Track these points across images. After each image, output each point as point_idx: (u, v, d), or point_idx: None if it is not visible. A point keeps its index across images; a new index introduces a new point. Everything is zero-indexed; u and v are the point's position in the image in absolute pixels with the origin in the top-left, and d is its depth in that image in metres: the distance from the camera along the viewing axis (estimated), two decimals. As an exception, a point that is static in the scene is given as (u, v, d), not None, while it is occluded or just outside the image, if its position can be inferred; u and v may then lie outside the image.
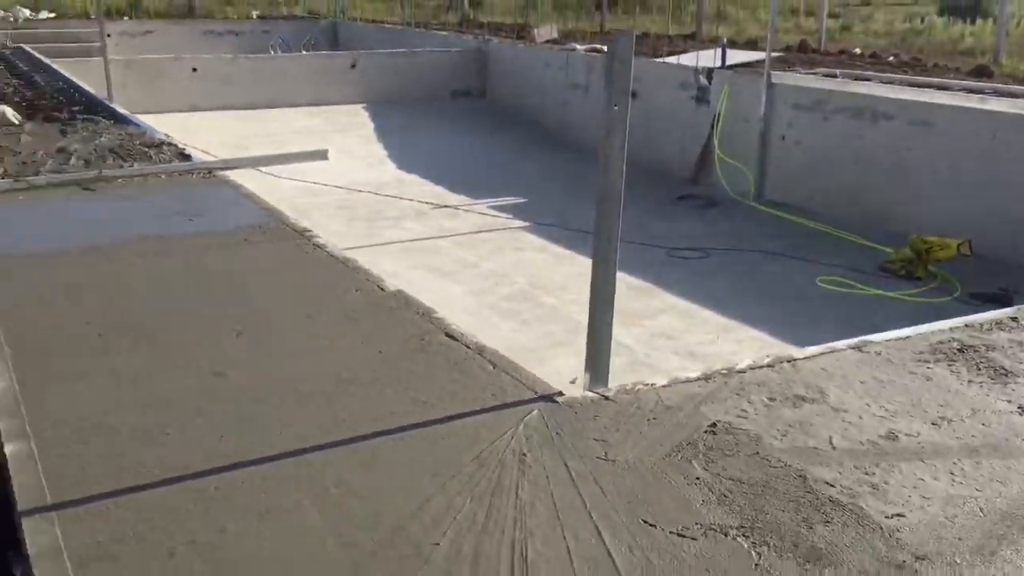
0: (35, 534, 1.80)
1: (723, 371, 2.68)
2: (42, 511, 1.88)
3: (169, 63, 11.44)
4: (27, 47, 11.10)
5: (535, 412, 2.38)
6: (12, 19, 16.59)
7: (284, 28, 16.70)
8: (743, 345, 5.02)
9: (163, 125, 6.35)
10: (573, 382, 2.62)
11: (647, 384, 2.59)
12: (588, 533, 1.87)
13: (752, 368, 2.71)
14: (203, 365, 2.64)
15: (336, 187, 8.37)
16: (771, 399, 2.51)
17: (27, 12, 17.85)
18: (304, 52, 14.42)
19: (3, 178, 4.43)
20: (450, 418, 2.36)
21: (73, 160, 4.89)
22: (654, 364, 4.71)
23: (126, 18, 17.48)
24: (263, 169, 5.99)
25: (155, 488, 1.99)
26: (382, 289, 3.25)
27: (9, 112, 5.79)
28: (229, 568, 1.74)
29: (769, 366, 2.72)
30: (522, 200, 8.61)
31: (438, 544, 1.82)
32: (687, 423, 2.35)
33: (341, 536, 1.84)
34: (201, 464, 2.09)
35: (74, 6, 19.72)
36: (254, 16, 18.25)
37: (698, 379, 2.63)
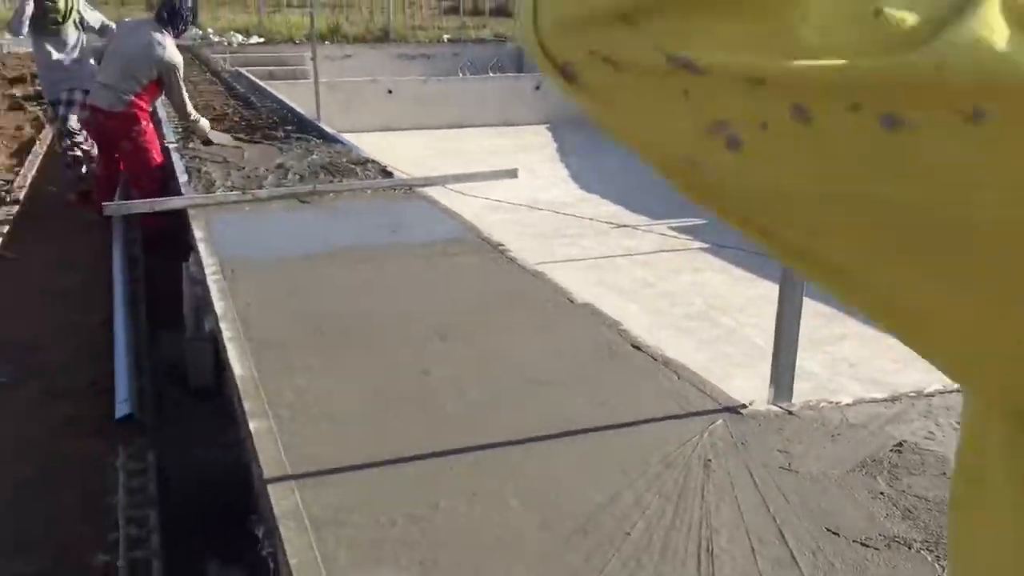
0: (279, 499, 2.08)
1: (911, 394, 2.69)
2: (283, 480, 2.16)
3: (366, 85, 12.18)
4: (243, 70, 12.09)
5: (720, 421, 2.49)
6: (227, 44, 18.03)
7: (472, 51, 17.37)
8: (933, 375, 4.88)
9: (360, 144, 6.82)
10: (751, 404, 2.70)
11: (831, 402, 2.65)
12: (772, 536, 1.97)
13: (941, 392, 2.71)
14: (411, 363, 2.90)
15: (519, 204, 8.68)
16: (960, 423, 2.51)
17: (240, 37, 19.35)
18: (491, 74, 14.96)
19: (232, 191, 4.93)
20: (638, 423, 2.51)
21: (290, 175, 5.36)
22: (837, 390, 4.67)
23: (327, 43, 18.63)
24: (451, 186, 6.33)
25: (378, 467, 2.24)
26: (571, 301, 3.44)
27: (214, 135, 6.39)
28: (442, 539, 1.96)
29: (959, 390, 2.71)
30: (702, 222, 8.62)
31: (629, 534, 1.97)
32: (872, 441, 2.40)
33: (539, 520, 2.03)
34: (414, 449, 2.33)
35: (281, 32, 21.18)
36: (445, 40, 19.05)
37: (884, 400, 2.66)
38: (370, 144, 7.47)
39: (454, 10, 34.86)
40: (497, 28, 22.41)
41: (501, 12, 29.58)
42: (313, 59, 9.14)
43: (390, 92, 12.17)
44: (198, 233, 4.23)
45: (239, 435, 3.12)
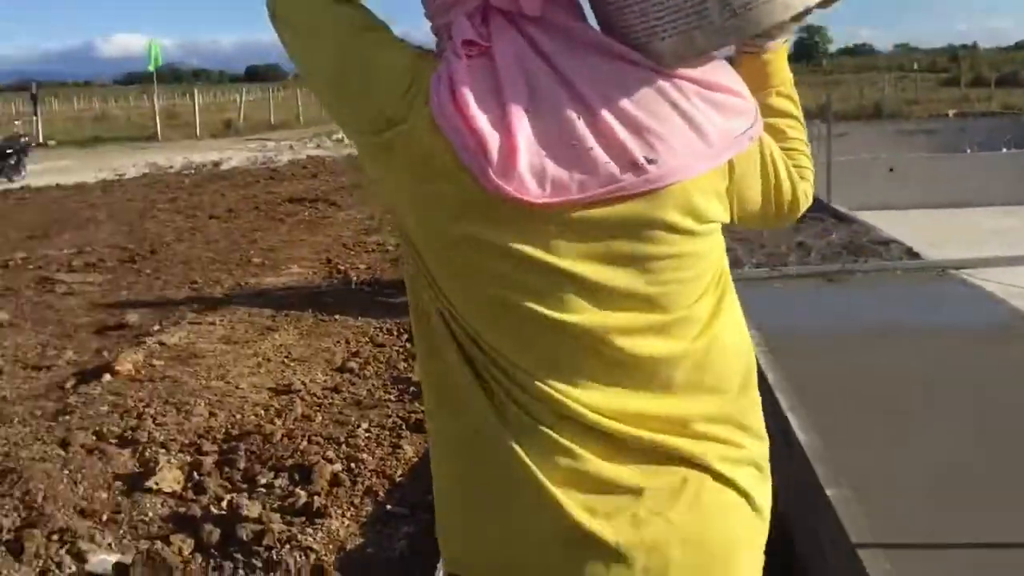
0: (872, 564, 2.19)
1: None
2: (873, 547, 2.27)
3: (867, 163, 11.96)
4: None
5: None
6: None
7: (979, 125, 16.21)
8: None
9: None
10: None
11: None
12: None
13: None
14: (973, 446, 2.85)
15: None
16: None
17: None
18: (1004, 150, 13.83)
19: (759, 267, 5.19)
20: None
21: (812, 253, 5.50)
22: None
23: (817, 120, 18.61)
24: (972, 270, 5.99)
25: (983, 548, 2.25)
26: None
27: None
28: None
29: None
30: None
31: None
32: None
33: None
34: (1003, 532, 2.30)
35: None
36: (950, 115, 18.04)
37: None
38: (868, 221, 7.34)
39: (953, 82, 32.77)
40: (1006, 99, 20.70)
41: (1009, 82, 27.16)
42: (827, 137, 9.23)
43: (891, 170, 11.81)
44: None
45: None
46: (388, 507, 3.93)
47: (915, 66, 50.51)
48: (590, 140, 0.94)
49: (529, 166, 0.93)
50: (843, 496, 2.54)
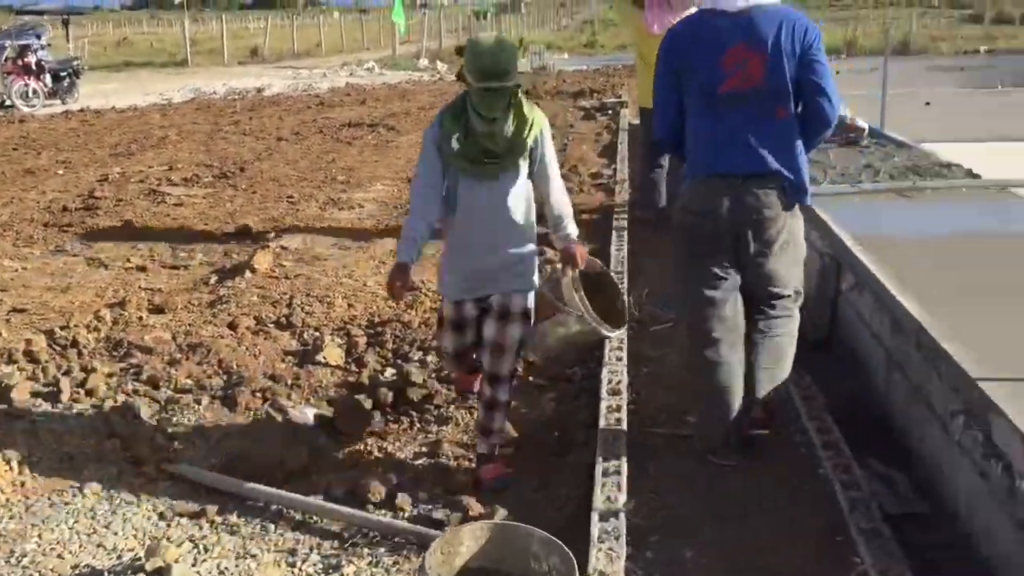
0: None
1: None
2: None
3: (903, 97, 12.43)
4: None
5: None
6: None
7: (1009, 62, 16.58)
8: None
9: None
10: None
11: None
12: None
13: None
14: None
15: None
16: None
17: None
18: (1035, 86, 14.28)
19: (835, 184, 5.77)
20: None
21: (880, 174, 6.06)
22: None
23: (843, 56, 18.95)
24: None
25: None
26: None
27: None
28: None
29: None
30: None
31: None
32: None
33: None
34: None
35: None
36: (982, 51, 18.38)
37: None
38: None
39: (977, 19, 32.83)
40: (1035, 37, 21.00)
41: (1035, 19, 27.28)
42: (884, 72, 9.61)
43: (928, 104, 12.29)
44: (824, 215, 5.08)
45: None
46: (531, 378, 4.58)
47: (935, 2, 50.15)
48: None
49: None
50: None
